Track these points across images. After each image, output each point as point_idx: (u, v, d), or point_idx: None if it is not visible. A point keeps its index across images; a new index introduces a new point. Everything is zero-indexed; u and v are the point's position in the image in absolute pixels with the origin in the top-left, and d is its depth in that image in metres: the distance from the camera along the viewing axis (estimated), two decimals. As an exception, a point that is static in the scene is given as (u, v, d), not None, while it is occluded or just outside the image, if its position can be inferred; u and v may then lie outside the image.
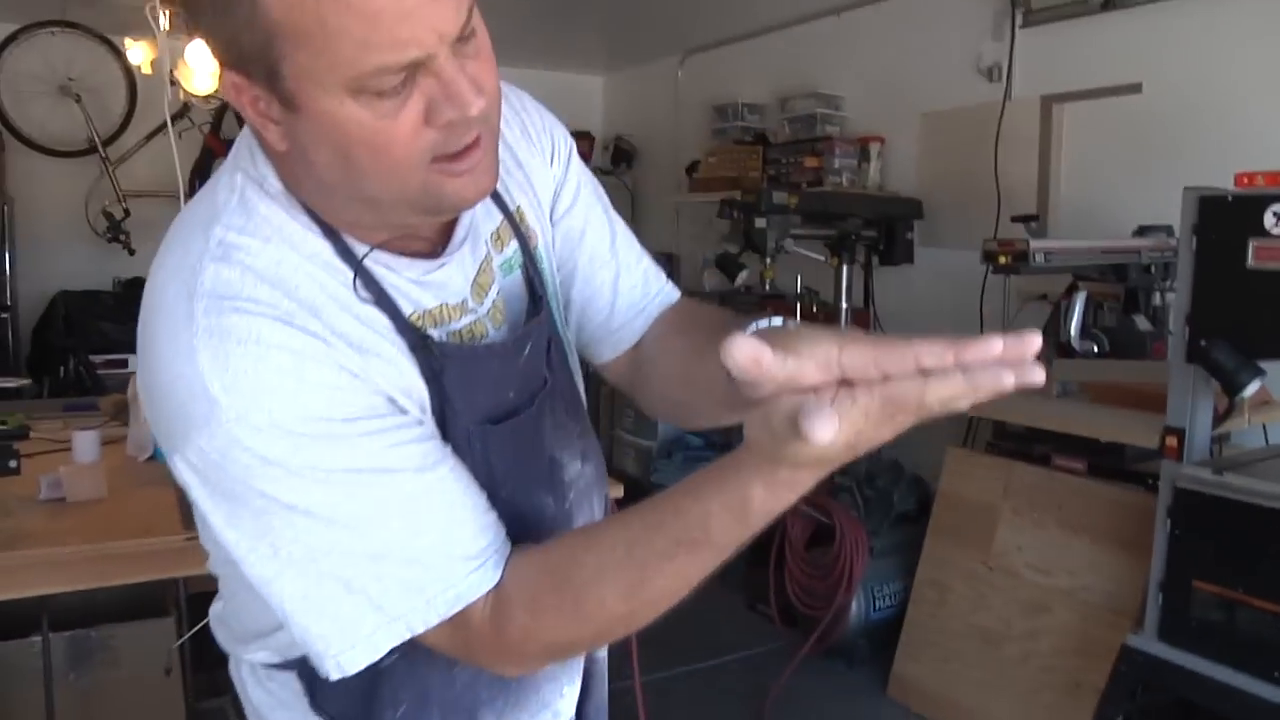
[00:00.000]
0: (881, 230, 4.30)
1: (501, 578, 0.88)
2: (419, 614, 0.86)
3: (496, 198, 1.03)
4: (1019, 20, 4.06)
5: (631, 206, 6.69)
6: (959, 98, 4.33)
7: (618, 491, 2.32)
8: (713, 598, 4.25)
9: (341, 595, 0.86)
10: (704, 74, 6.02)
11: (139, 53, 4.53)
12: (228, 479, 0.82)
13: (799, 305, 4.66)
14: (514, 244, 1.05)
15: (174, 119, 5.03)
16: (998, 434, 3.47)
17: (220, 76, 0.83)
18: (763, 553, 4.08)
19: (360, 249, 0.91)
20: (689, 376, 1.03)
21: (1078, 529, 3.04)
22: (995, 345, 0.61)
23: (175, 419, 0.82)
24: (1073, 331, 3.25)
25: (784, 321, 0.86)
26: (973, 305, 4.01)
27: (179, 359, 0.81)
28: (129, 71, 5.29)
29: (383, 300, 0.90)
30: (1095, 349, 3.29)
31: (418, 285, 0.94)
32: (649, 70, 6.54)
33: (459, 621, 0.87)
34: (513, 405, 1.00)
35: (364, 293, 0.89)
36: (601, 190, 1.20)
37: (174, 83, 4.16)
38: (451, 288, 0.97)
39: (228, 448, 0.81)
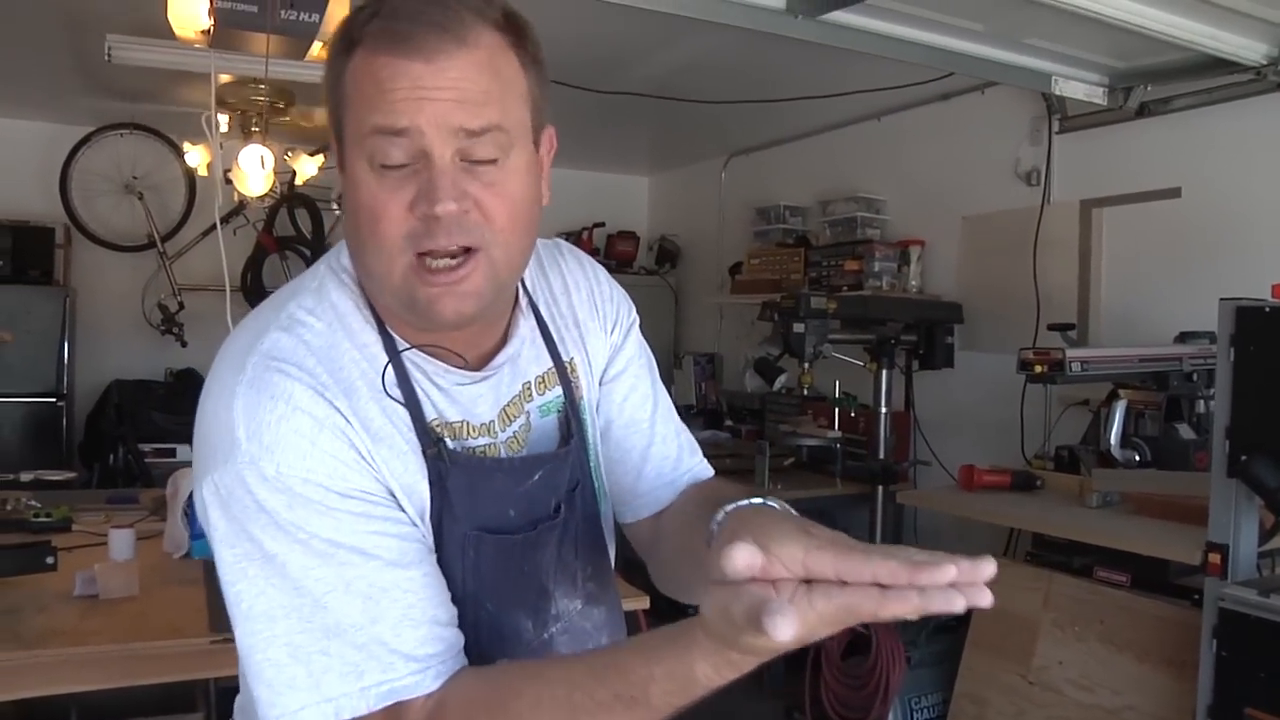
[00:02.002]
0: (921, 334, 4.29)
1: (444, 689, 0.91)
2: (351, 699, 0.89)
3: (550, 346, 1.11)
4: (1056, 126, 4.10)
5: (675, 306, 6.75)
6: (999, 201, 4.35)
7: (642, 602, 2.29)
8: (749, 706, 4.19)
9: (284, 661, 0.89)
10: (747, 176, 6.12)
11: (196, 156, 4.71)
12: (230, 514, 0.90)
13: (837, 410, 4.64)
14: (558, 390, 1.11)
15: (228, 217, 5.23)
16: (1038, 544, 3.41)
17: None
18: (799, 661, 4.01)
19: (400, 345, 0.98)
20: (688, 549, 1.02)
21: (1121, 645, 2.95)
22: (949, 571, 0.65)
23: (205, 451, 0.92)
24: (1113, 440, 3.21)
25: (765, 500, 0.89)
26: (1013, 410, 3.97)
27: (221, 400, 0.91)
28: (189, 172, 5.48)
29: (410, 400, 0.98)
30: (1136, 458, 3.24)
31: (445, 395, 1.00)
32: (693, 171, 6.66)
33: (393, 715, 0.89)
34: (513, 524, 1.03)
35: (394, 390, 0.97)
36: (654, 366, 1.26)
37: (229, 183, 4.32)
38: (478, 408, 1.03)
39: (234, 486, 0.89)
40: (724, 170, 6.26)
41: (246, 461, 0.88)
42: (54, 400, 5.32)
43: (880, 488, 4.24)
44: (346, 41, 0.92)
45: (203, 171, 4.74)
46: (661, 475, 1.20)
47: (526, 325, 1.09)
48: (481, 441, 1.03)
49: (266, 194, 4.53)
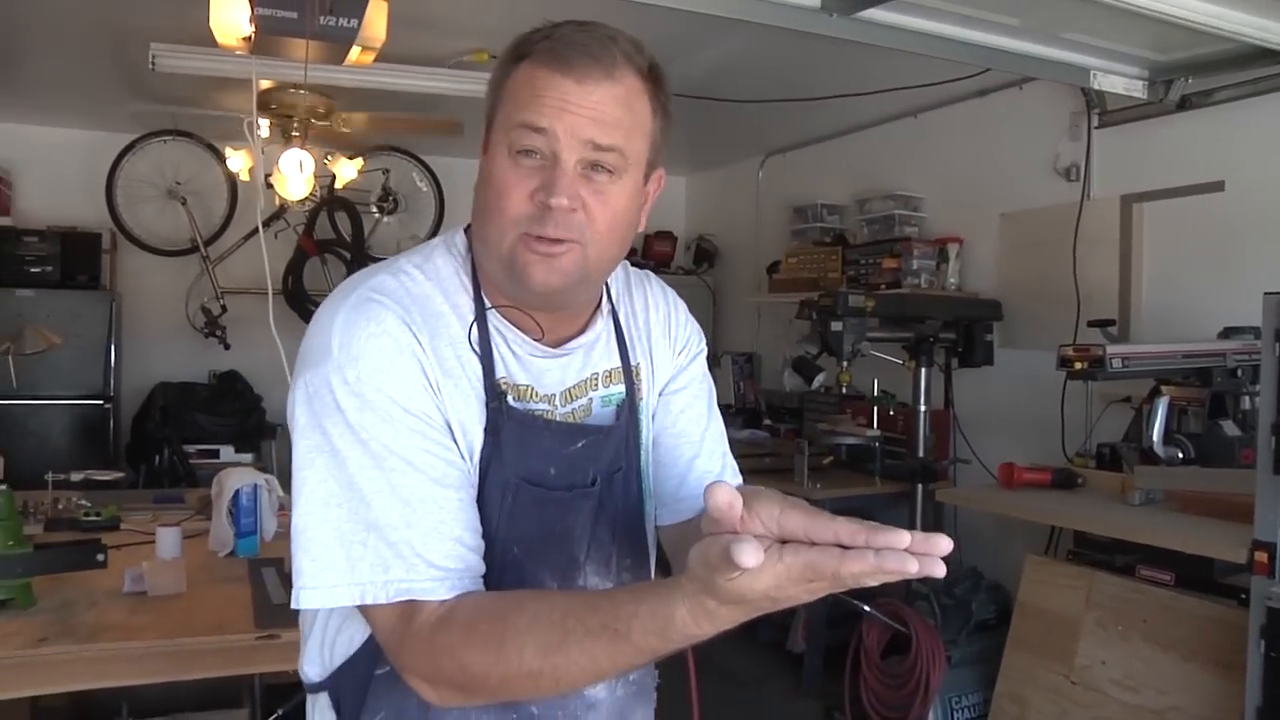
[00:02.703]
0: (960, 332, 4.26)
1: (456, 600, 1.03)
2: (375, 589, 1.02)
3: (621, 347, 1.26)
4: (1095, 121, 4.06)
5: (713, 306, 6.75)
6: (1037, 198, 4.32)
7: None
8: (789, 705, 4.18)
9: (330, 543, 1.03)
10: (784, 175, 6.11)
11: (238, 160, 4.78)
12: (312, 410, 1.04)
13: (876, 408, 4.63)
14: (621, 387, 1.25)
15: (269, 221, 5.30)
16: (1079, 542, 3.38)
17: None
18: (838, 660, 4.00)
19: (488, 304, 1.14)
20: None
21: (1166, 644, 2.93)
22: (903, 537, 0.74)
23: (305, 354, 1.08)
24: (1155, 437, 3.17)
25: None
26: (1053, 408, 3.93)
27: (326, 316, 1.08)
28: (231, 177, 5.55)
29: (486, 355, 1.12)
30: (1180, 455, 3.20)
31: (518, 361, 1.16)
32: (730, 171, 6.66)
33: (406, 614, 1.02)
34: (551, 482, 1.15)
35: (475, 345, 1.12)
36: (714, 396, 1.39)
37: (269, 187, 4.38)
38: (545, 379, 1.18)
39: (320, 386, 1.04)
40: (761, 169, 6.26)
41: (335, 366, 1.04)
42: (101, 402, 5.42)
43: (919, 486, 4.22)
44: (517, 54, 1.10)
45: (244, 176, 4.81)
46: (701, 485, 1.26)
47: (604, 324, 1.25)
48: (541, 407, 1.17)
49: (306, 198, 4.58)
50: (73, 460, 4.33)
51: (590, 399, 1.22)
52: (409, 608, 1.02)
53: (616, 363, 1.25)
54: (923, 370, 4.23)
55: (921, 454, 4.26)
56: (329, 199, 5.43)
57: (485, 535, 1.10)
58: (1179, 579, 2.96)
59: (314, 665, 1.20)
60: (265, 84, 4.11)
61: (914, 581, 3.97)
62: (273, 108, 4.45)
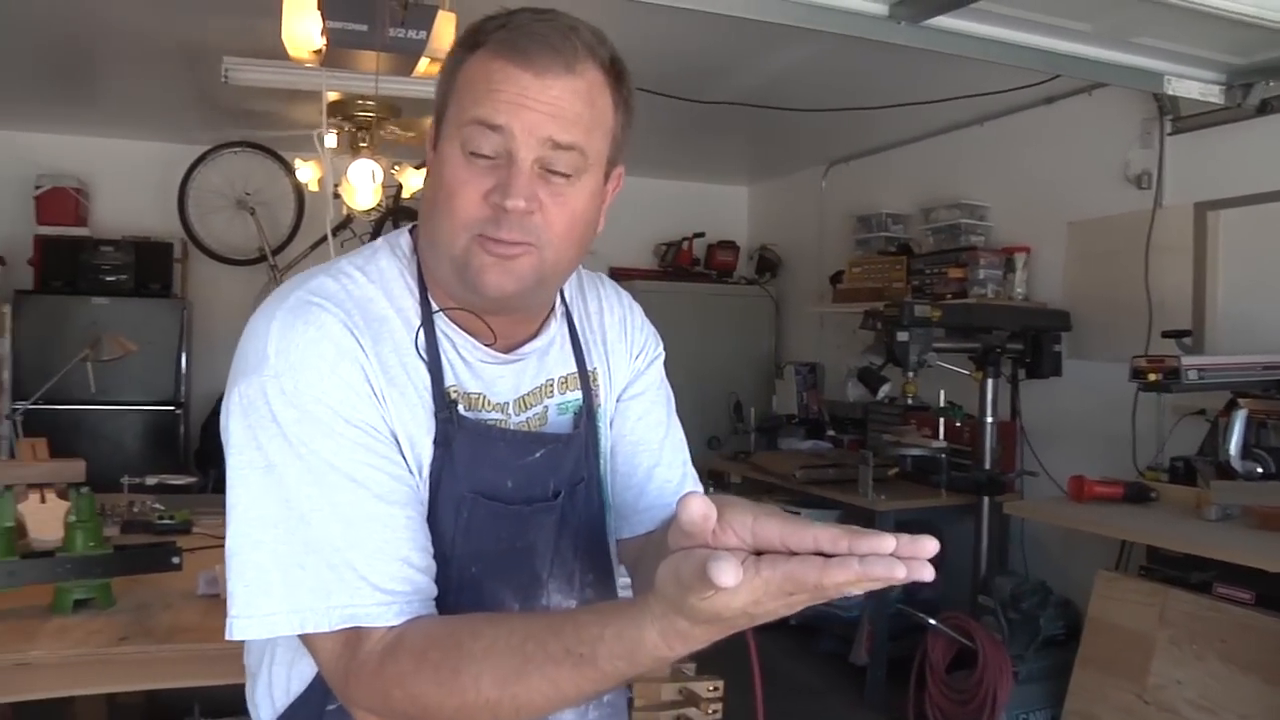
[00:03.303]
0: (1028, 343, 4.20)
1: (404, 626, 0.95)
2: (315, 615, 0.94)
3: (576, 351, 1.20)
4: (1168, 127, 3.98)
5: (775, 315, 6.72)
6: (1107, 206, 4.24)
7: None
8: (852, 717, 4.14)
9: (266, 567, 0.95)
10: (847, 184, 6.07)
11: (307, 171, 4.86)
12: (246, 422, 0.97)
13: (942, 420, 4.57)
14: (578, 393, 1.19)
15: (335, 230, 5.37)
16: (1152, 558, 3.30)
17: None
18: (902, 673, 3.95)
19: (435, 306, 1.08)
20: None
21: (1245, 666, 2.84)
22: (888, 542, 0.68)
23: (239, 362, 1.00)
24: (1232, 451, 3.10)
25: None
26: (1124, 421, 3.86)
27: (262, 321, 1.01)
28: (298, 188, 5.65)
29: (434, 364, 1.06)
30: (1259, 470, 3.12)
31: (469, 368, 1.09)
32: (793, 180, 6.63)
33: (351, 641, 0.95)
34: (509, 495, 1.09)
35: (423, 352, 1.05)
36: (673, 402, 1.33)
37: (337, 197, 4.44)
38: (497, 387, 1.11)
39: (256, 396, 0.97)
40: (824, 178, 6.22)
41: (271, 375, 0.97)
42: (173, 408, 5.54)
43: (986, 499, 4.16)
44: (472, 42, 1.03)
45: (313, 186, 4.88)
46: (662, 495, 1.25)
47: (558, 328, 1.19)
48: (494, 416, 1.10)
49: (373, 207, 4.64)
50: (145, 464, 4.43)
51: (545, 406, 1.16)
52: (354, 635, 0.95)
53: (572, 368, 1.19)
54: (989, 381, 4.18)
55: (988, 466, 4.20)
56: (395, 208, 5.50)
57: (440, 554, 1.03)
58: (1259, 598, 2.88)
59: (264, 705, 1.11)
60: (332, 95, 4.17)
61: (980, 595, 3.92)
62: (339, 119, 4.52)
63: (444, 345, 1.08)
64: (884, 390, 4.13)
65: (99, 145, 5.77)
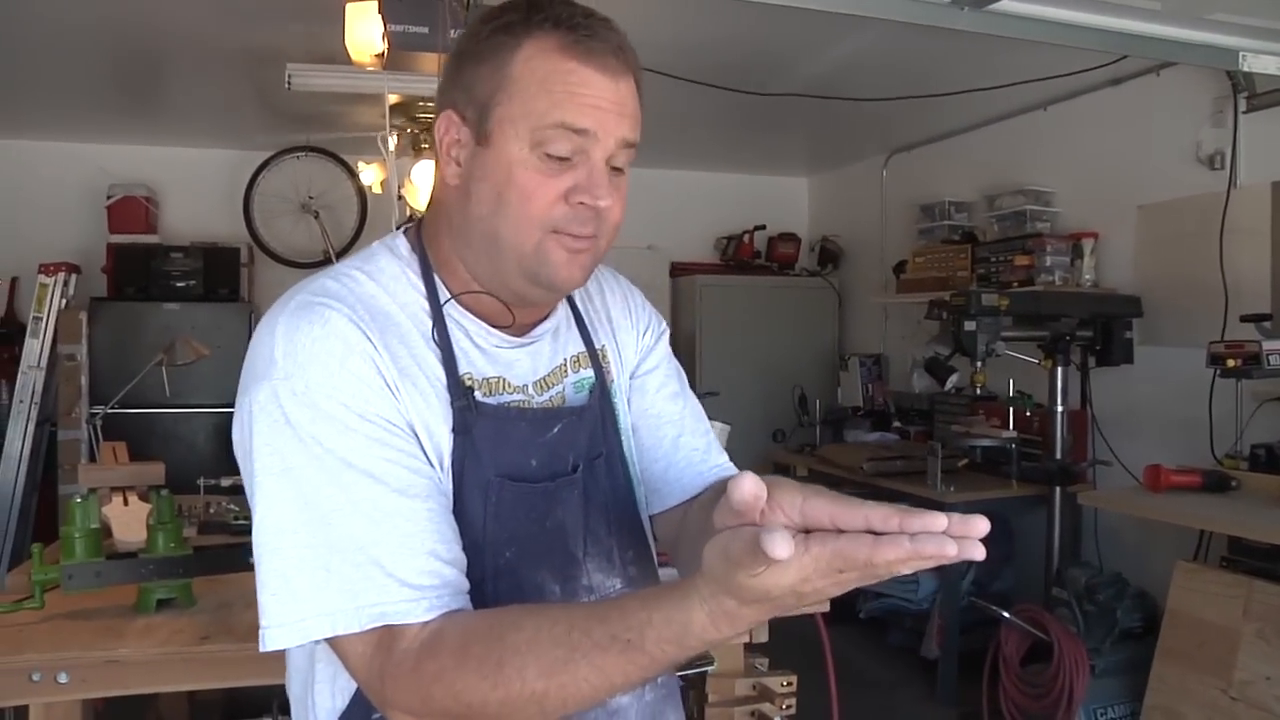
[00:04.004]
0: (1098, 330, 4.12)
1: (442, 620, 0.93)
2: (345, 617, 0.92)
3: (583, 330, 1.22)
4: (1242, 105, 3.88)
5: (838, 307, 6.67)
6: (1178, 188, 4.14)
7: (822, 606, 2.27)
8: (924, 711, 4.10)
9: (290, 573, 0.93)
10: (909, 173, 6.00)
11: (371, 174, 4.91)
12: (259, 429, 0.96)
13: (1012, 409, 4.50)
14: (590, 371, 1.20)
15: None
16: (1235, 549, 3.22)
17: (439, 116, 1.08)
18: (973, 666, 3.90)
19: (444, 296, 1.09)
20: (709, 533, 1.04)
21: (1335, 658, 2.77)
22: (940, 520, 0.68)
23: (248, 370, 1.00)
24: (1316, 438, 3.01)
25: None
26: (1200, 408, 3.77)
27: (267, 326, 1.01)
28: (361, 190, 5.72)
29: (447, 355, 1.06)
30: (1345, 457, 3.03)
31: (484, 354, 1.10)
32: (853, 171, 6.57)
33: (384, 641, 0.92)
34: (534, 474, 1.09)
35: (434, 346, 1.06)
36: (684, 376, 1.35)
37: (400, 199, 4.49)
38: (516, 370, 1.12)
39: (267, 401, 0.96)
40: (885, 168, 6.16)
41: (280, 377, 0.96)
42: (242, 411, 5.62)
43: (1058, 489, 4.10)
44: (512, 31, 1.03)
45: (376, 189, 4.94)
46: (691, 464, 1.26)
47: (564, 309, 1.21)
48: (516, 398, 1.11)
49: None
50: (219, 466, 4.50)
51: (564, 386, 1.17)
52: (386, 634, 0.92)
53: (581, 347, 1.21)
54: (1059, 369, 4.10)
55: (1059, 456, 4.13)
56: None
57: (471, 542, 1.02)
58: (1350, 589, 2.80)
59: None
60: (394, 98, 4.21)
61: (1053, 587, 3.85)
62: (399, 121, 4.56)
63: (457, 334, 1.08)
64: (952, 381, 4.08)
65: (167, 154, 5.88)
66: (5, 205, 5.61)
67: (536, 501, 1.08)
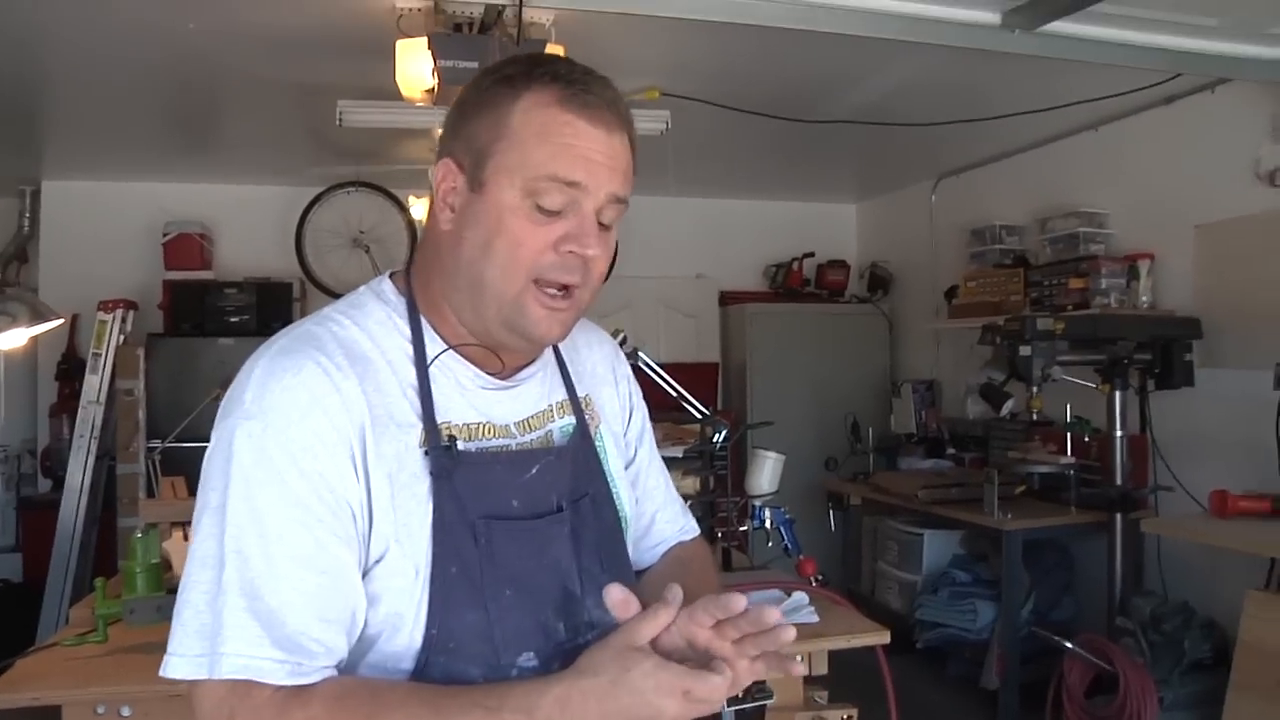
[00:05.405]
0: (1156, 352, 4.04)
1: (317, 684, 0.96)
2: (204, 661, 0.95)
3: (565, 379, 1.25)
4: (1303, 120, 3.80)
5: (889, 333, 6.62)
6: (1236, 206, 4.06)
7: (883, 637, 2.25)
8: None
9: (201, 608, 0.97)
10: (959, 197, 5.95)
11: (421, 208, 4.97)
12: (212, 463, 1.01)
13: (1069, 435, 4.42)
14: (571, 419, 1.23)
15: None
16: (1307, 576, 3.13)
17: (437, 164, 1.12)
18: (1035, 698, 3.82)
19: (436, 349, 1.11)
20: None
21: None
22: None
23: (223, 405, 1.04)
24: (1391, 461, 2.92)
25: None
26: (1265, 431, 3.66)
27: (248, 366, 1.05)
28: (411, 224, 5.77)
29: (426, 403, 1.08)
30: None
31: (465, 399, 1.12)
32: (902, 196, 6.53)
33: (241, 692, 0.94)
34: (517, 513, 1.11)
35: (415, 393, 1.08)
36: (650, 429, 1.42)
37: (451, 233, 4.52)
38: (495, 411, 1.14)
39: (225, 438, 1.01)
40: (934, 192, 6.11)
41: (243, 416, 1.00)
42: (296, 444, 5.66)
43: (1118, 515, 4.01)
44: (512, 83, 1.07)
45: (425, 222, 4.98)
46: (661, 534, 1.39)
47: (548, 354, 1.24)
48: (498, 442, 1.13)
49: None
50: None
51: (549, 430, 1.20)
52: (244, 686, 0.95)
53: (564, 394, 1.24)
54: (1117, 394, 4.03)
55: (1119, 481, 4.05)
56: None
57: (468, 581, 1.04)
58: None
59: None
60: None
61: (1117, 616, 3.77)
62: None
63: (440, 379, 1.11)
64: (1007, 406, 4.02)
65: (221, 191, 5.98)
66: (66, 244, 5.73)
67: (528, 539, 1.11)
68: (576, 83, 1.05)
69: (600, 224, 1.08)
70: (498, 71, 1.09)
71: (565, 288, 1.07)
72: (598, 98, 1.06)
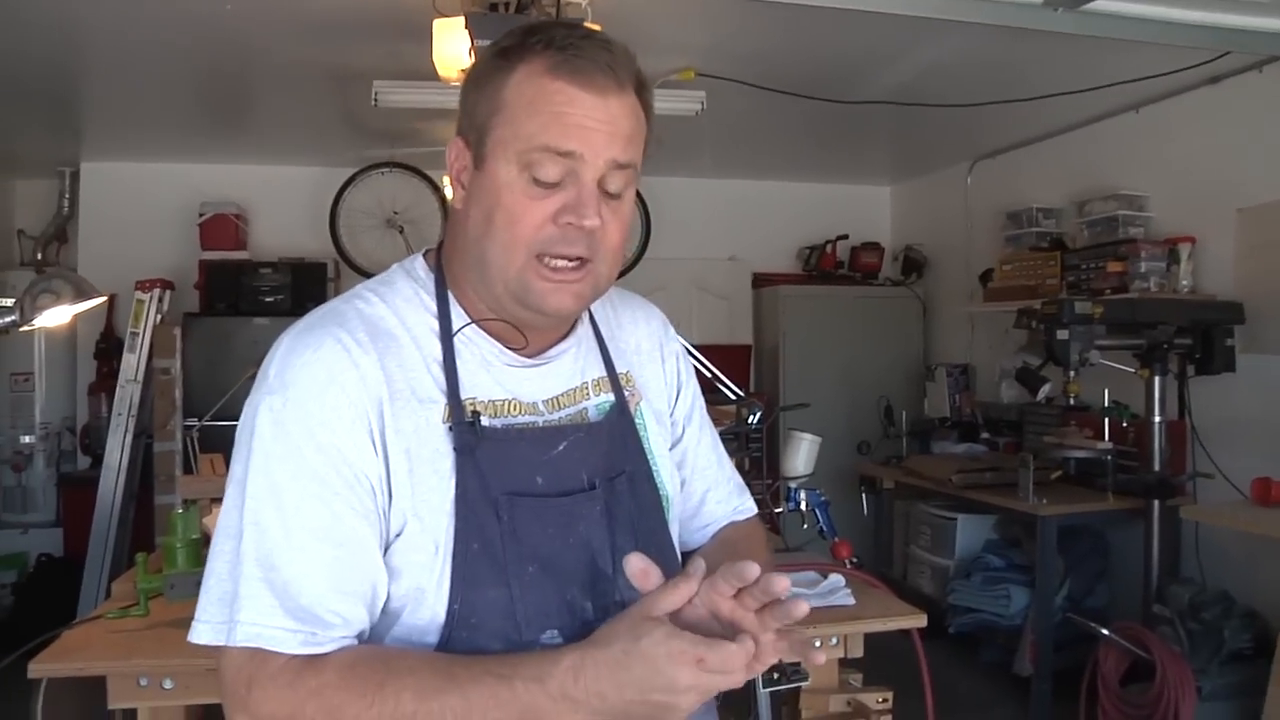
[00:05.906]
0: (1197, 337, 3.99)
1: (331, 653, 0.97)
2: (224, 629, 0.98)
3: (605, 356, 1.23)
4: (1350, 102, 3.73)
5: (923, 316, 6.57)
6: (1280, 190, 4.00)
7: (920, 620, 2.24)
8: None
9: (223, 575, 1.00)
10: (994, 179, 5.88)
11: (453, 189, 4.96)
12: (240, 438, 1.04)
13: (1107, 420, 4.37)
14: (609, 396, 1.21)
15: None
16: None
17: (451, 142, 1.12)
18: (1069, 685, 3.79)
19: (459, 322, 1.11)
20: None
21: None
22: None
23: (255, 381, 1.06)
24: None
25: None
26: (1310, 417, 3.62)
27: (277, 343, 1.07)
28: (445, 204, 5.77)
29: (450, 379, 1.08)
30: None
31: (491, 376, 1.11)
32: (937, 178, 6.47)
33: (258, 660, 0.96)
34: (541, 490, 1.10)
35: (439, 368, 1.08)
36: (702, 402, 1.40)
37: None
38: (522, 389, 1.13)
39: (250, 413, 1.03)
40: (969, 175, 6.05)
41: (267, 391, 1.02)
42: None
43: (1156, 502, 3.96)
44: (508, 55, 1.06)
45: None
46: (711, 514, 1.37)
47: (584, 331, 1.22)
48: (524, 419, 1.12)
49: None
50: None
51: (584, 408, 1.18)
52: (258, 654, 0.97)
53: (602, 371, 1.22)
54: (1156, 379, 3.98)
55: (1157, 467, 4.00)
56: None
57: (490, 558, 1.04)
58: None
59: None
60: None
61: (1154, 604, 3.73)
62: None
63: (467, 356, 1.10)
64: (1044, 391, 3.97)
65: (255, 172, 6.01)
66: (104, 225, 5.80)
67: (554, 517, 1.09)
68: (569, 48, 1.03)
69: (607, 193, 1.05)
70: (496, 44, 1.09)
71: (579, 260, 1.06)
72: (590, 61, 1.03)
